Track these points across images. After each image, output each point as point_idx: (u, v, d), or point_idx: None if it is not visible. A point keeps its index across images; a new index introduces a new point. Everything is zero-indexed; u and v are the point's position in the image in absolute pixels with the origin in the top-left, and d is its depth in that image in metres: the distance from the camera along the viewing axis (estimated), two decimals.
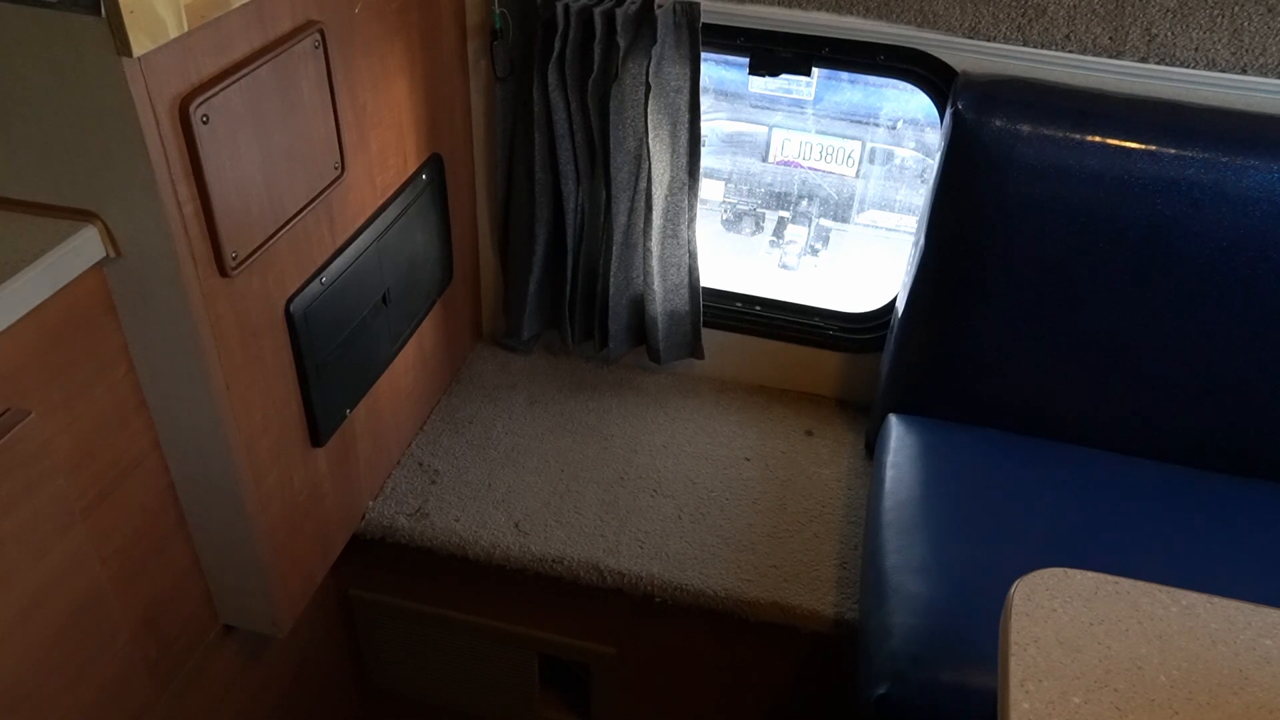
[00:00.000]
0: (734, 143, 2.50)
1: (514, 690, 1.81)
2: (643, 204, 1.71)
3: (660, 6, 1.52)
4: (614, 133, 1.63)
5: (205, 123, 1.01)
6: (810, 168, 2.49)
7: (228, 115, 1.04)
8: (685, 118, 1.66)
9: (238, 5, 1.03)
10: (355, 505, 1.59)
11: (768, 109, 2.46)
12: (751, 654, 1.60)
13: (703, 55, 1.60)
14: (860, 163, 2.45)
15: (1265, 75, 1.43)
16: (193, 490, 1.23)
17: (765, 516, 1.67)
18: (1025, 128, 1.41)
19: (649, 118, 1.61)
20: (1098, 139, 1.39)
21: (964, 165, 1.45)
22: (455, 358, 1.92)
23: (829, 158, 2.46)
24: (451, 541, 1.60)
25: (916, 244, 1.57)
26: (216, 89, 1.01)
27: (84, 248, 0.99)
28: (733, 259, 2.57)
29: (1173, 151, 1.38)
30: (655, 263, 1.77)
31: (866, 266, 2.52)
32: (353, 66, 1.30)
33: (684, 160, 1.70)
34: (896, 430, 1.61)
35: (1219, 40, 1.42)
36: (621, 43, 1.56)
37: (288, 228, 1.20)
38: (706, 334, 1.92)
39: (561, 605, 1.64)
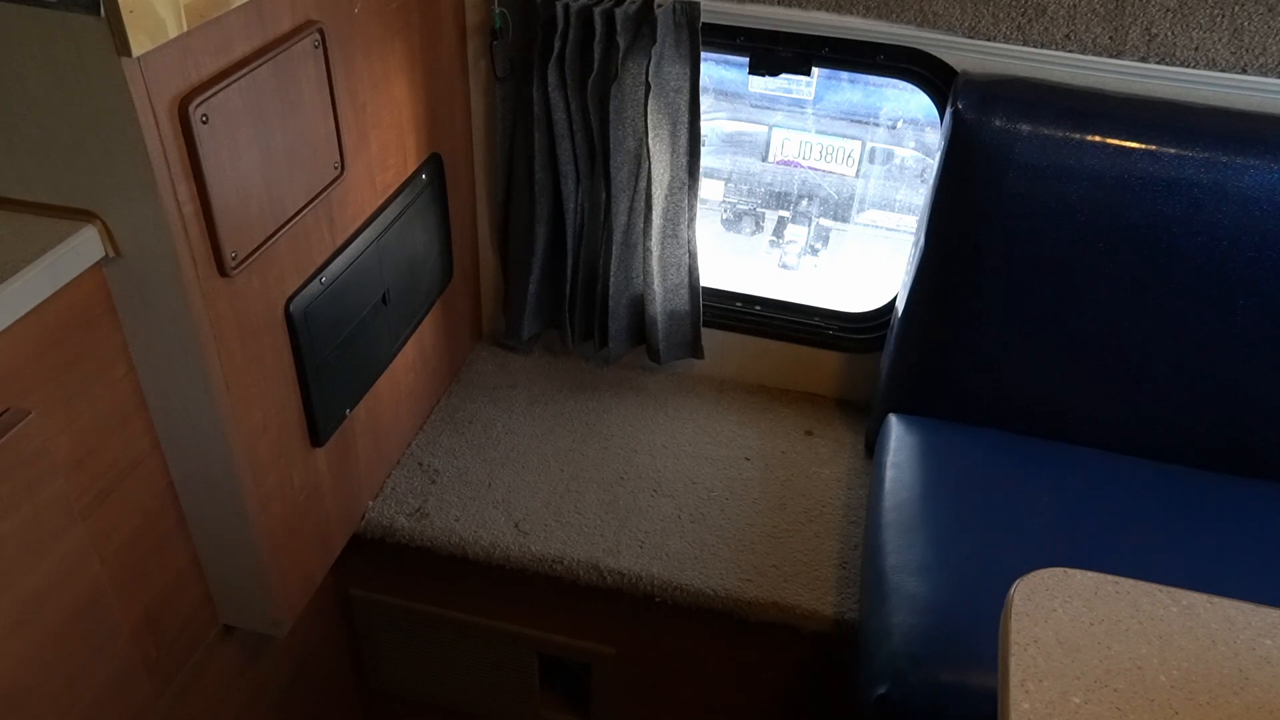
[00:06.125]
0: (734, 142, 2.49)
1: (514, 690, 1.81)
2: (642, 204, 1.71)
3: (660, 6, 1.52)
4: (614, 132, 1.63)
5: (205, 122, 1.00)
6: (810, 167, 2.49)
7: (227, 115, 1.04)
8: (685, 117, 1.65)
9: (237, 5, 1.03)
10: (355, 505, 1.59)
11: (768, 109, 2.46)
12: (751, 654, 1.60)
13: (703, 55, 1.60)
14: (860, 162, 2.44)
15: (1265, 75, 1.43)
16: (193, 490, 1.23)
17: (765, 516, 1.67)
18: (1025, 128, 1.40)
19: (649, 117, 1.61)
20: (1098, 139, 1.39)
21: (964, 165, 1.45)
22: (455, 358, 1.92)
23: (829, 157, 2.46)
24: (451, 541, 1.60)
25: (916, 244, 1.57)
26: (216, 89, 1.01)
27: (84, 248, 0.99)
28: (733, 259, 2.57)
29: (1173, 151, 1.38)
30: (655, 262, 1.77)
31: (866, 266, 2.52)
32: (352, 66, 1.30)
33: (684, 160, 1.70)
34: (896, 430, 1.61)
35: (1219, 40, 1.42)
36: (621, 42, 1.56)
37: (287, 227, 1.20)
38: (706, 334, 1.92)
39: (561, 605, 1.64)
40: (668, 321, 1.87)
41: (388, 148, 1.45)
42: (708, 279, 1.89)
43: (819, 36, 1.59)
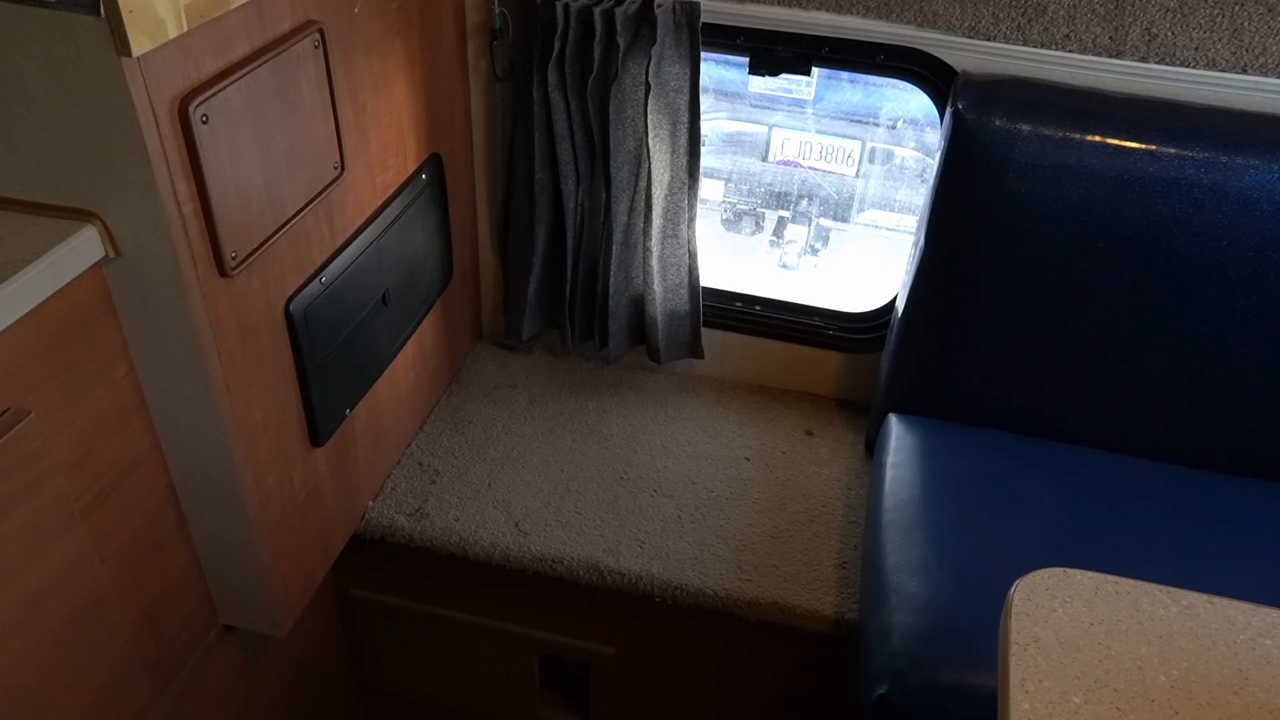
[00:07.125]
0: (734, 142, 2.49)
1: (514, 690, 1.81)
2: (642, 204, 1.71)
3: (660, 6, 1.52)
4: (614, 132, 1.63)
5: (205, 122, 1.01)
6: (810, 167, 2.49)
7: (227, 115, 1.04)
8: (685, 117, 1.66)
9: (237, 5, 1.03)
10: (355, 505, 1.59)
11: (768, 109, 2.46)
12: (751, 654, 1.60)
13: (703, 55, 1.60)
14: (860, 162, 2.44)
15: (1265, 75, 1.43)
16: (193, 490, 1.23)
17: (765, 516, 1.67)
18: (1025, 128, 1.41)
19: (649, 117, 1.61)
20: (1098, 139, 1.39)
21: (964, 165, 1.45)
22: (455, 358, 1.92)
23: (829, 157, 2.45)
24: (451, 541, 1.60)
25: (916, 244, 1.57)
26: (216, 89, 1.01)
27: (84, 248, 0.99)
28: (733, 259, 2.57)
29: (1173, 151, 1.38)
30: (655, 262, 1.77)
31: (866, 266, 2.52)
32: (352, 66, 1.30)
33: (684, 160, 1.70)
34: (896, 430, 1.61)
35: (1219, 40, 1.42)
36: (621, 42, 1.56)
37: (287, 227, 1.20)
38: (706, 334, 1.92)
39: (561, 605, 1.64)
40: (668, 321, 1.87)
41: (388, 148, 1.45)
42: (708, 279, 1.89)
43: (819, 36, 1.59)
